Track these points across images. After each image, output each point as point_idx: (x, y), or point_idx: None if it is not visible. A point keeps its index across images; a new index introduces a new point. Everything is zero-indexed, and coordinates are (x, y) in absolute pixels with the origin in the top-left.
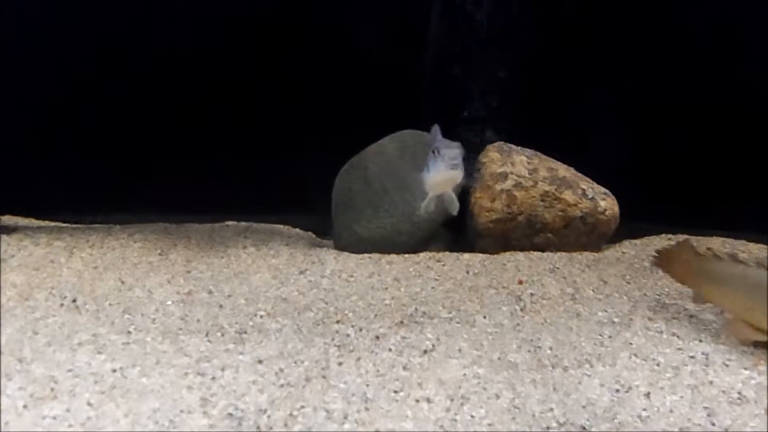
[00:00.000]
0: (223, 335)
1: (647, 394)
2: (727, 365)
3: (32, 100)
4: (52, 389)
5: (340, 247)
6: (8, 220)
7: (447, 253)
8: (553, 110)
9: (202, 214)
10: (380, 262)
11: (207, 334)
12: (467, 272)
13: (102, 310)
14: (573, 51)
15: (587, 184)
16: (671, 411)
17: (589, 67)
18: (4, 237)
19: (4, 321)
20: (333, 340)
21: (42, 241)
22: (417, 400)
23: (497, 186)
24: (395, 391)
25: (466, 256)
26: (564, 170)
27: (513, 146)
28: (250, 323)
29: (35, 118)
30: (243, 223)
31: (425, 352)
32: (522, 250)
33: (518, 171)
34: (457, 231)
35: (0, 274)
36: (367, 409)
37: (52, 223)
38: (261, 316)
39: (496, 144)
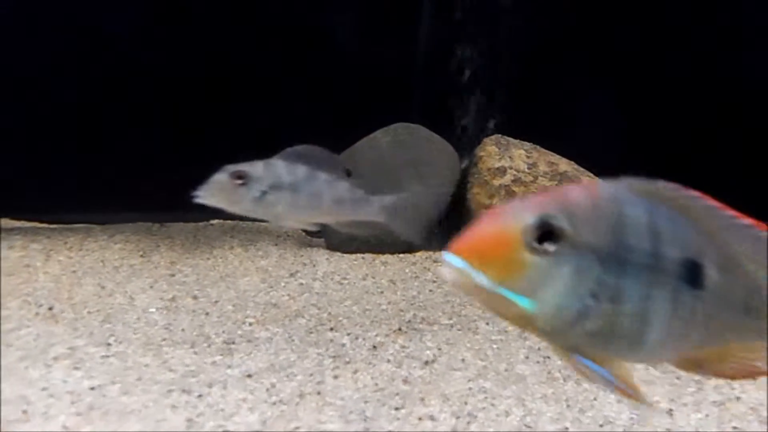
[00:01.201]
0: (209, 346)
1: (669, 412)
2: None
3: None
4: (24, 411)
5: (332, 246)
6: None
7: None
8: (553, 102)
9: (186, 212)
10: (374, 262)
11: (192, 345)
12: None
13: (80, 318)
14: (576, 44)
15: (589, 179)
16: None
17: (588, 60)
18: None
19: None
20: (327, 350)
21: (17, 244)
22: (420, 418)
23: (495, 181)
24: (396, 408)
25: None
26: (565, 164)
27: (511, 139)
28: (239, 332)
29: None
30: (229, 222)
31: (426, 363)
32: None
33: (517, 165)
34: (454, 228)
35: None
36: (366, 429)
37: (29, 224)
38: (250, 324)
39: (493, 137)
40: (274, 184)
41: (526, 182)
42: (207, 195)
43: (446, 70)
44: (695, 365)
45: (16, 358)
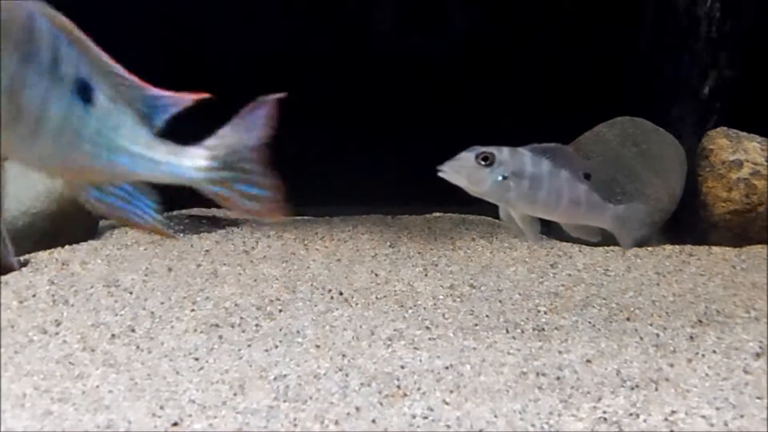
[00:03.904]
0: (523, 332)
1: None
2: None
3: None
4: (398, 387)
5: (564, 238)
6: (218, 212)
7: (691, 246)
8: None
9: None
10: (626, 255)
11: (507, 331)
12: (733, 267)
13: (374, 303)
14: None
15: None
16: None
17: None
18: (236, 230)
19: (291, 312)
20: (642, 339)
21: (272, 234)
22: None
23: (732, 174)
24: (758, 398)
25: (716, 249)
26: None
27: (739, 131)
28: (542, 320)
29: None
30: (454, 215)
31: (758, 355)
32: (761, 243)
33: (753, 158)
34: (672, 224)
35: (252, 266)
36: (742, 416)
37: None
38: (545, 312)
39: (719, 129)
40: (517, 172)
41: (766, 175)
42: (450, 171)
43: (662, 64)
44: (78, 181)
45: (349, 338)
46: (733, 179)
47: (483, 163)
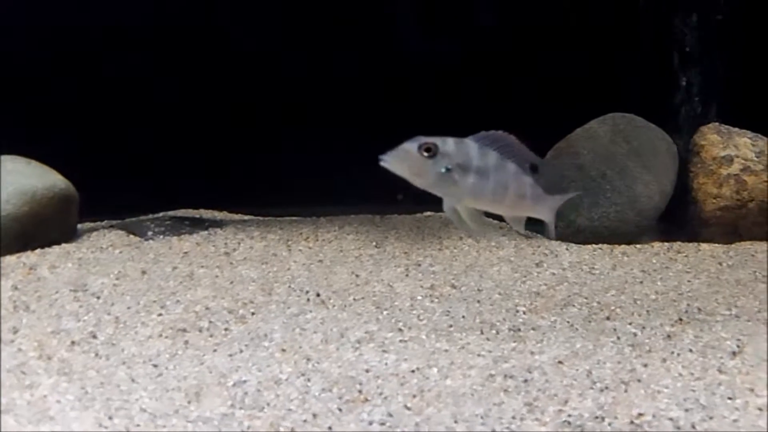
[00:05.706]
0: (498, 333)
1: None
2: None
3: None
4: (360, 391)
5: (553, 237)
6: (205, 213)
7: (681, 243)
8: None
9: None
10: (614, 253)
11: (482, 332)
12: (720, 264)
13: (350, 305)
14: None
15: None
16: None
17: None
18: (219, 231)
19: (263, 315)
20: (619, 338)
21: (255, 235)
22: (760, 409)
23: (722, 170)
24: (729, 398)
25: (705, 246)
26: None
27: (731, 127)
28: (519, 320)
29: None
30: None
31: (734, 354)
32: (752, 239)
33: (744, 154)
34: (665, 221)
35: (230, 267)
36: (711, 417)
37: (246, 216)
38: (524, 312)
39: (711, 125)
40: (462, 164)
41: (757, 171)
42: (392, 161)
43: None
44: None
45: (318, 341)
46: (724, 175)
47: (425, 154)
